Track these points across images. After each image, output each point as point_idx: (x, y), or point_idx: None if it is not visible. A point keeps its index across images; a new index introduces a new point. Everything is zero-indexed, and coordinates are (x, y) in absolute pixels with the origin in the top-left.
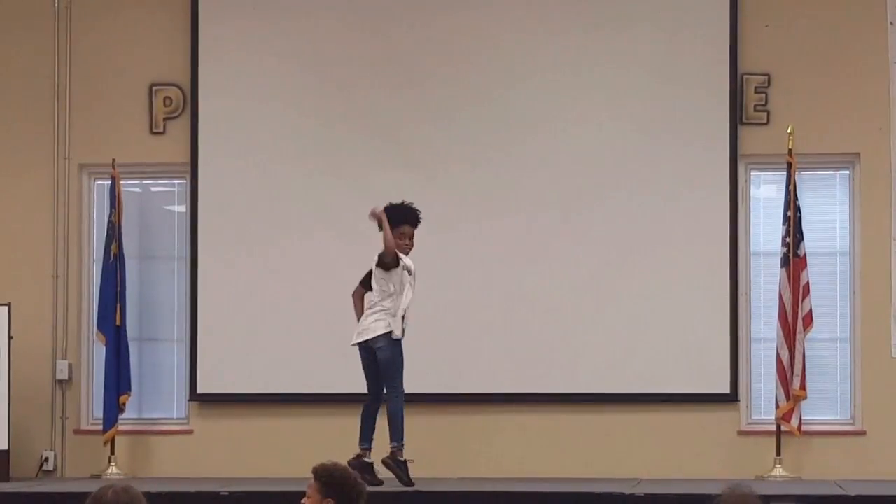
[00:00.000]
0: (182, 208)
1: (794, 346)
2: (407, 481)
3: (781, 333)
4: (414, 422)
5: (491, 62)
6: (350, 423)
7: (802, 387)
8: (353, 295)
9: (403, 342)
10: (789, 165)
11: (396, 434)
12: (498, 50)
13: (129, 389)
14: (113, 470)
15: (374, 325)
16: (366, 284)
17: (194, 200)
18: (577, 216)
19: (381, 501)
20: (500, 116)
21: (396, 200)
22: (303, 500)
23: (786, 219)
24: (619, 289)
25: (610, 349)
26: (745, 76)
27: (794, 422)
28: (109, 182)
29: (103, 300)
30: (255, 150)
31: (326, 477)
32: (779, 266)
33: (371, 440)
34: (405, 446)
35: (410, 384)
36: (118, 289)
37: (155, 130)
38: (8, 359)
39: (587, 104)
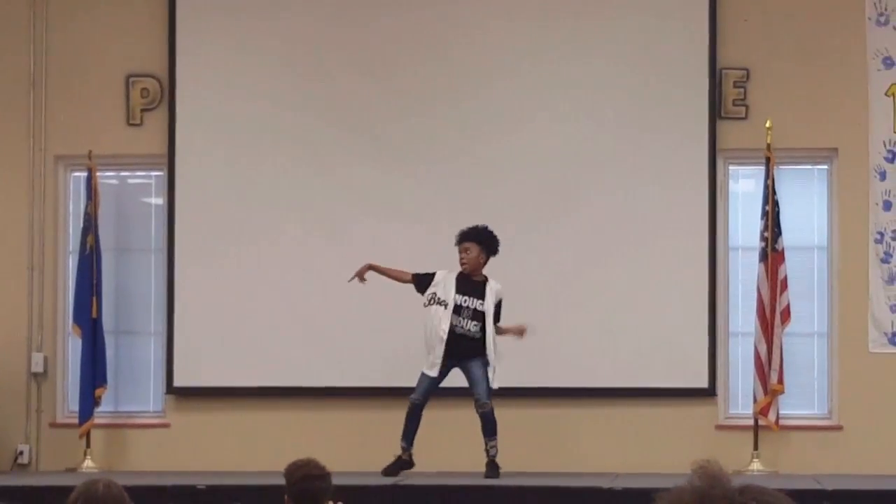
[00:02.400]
0: (159, 200)
1: (772, 340)
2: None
3: (759, 328)
4: (394, 418)
5: (469, 56)
6: (327, 416)
7: (780, 381)
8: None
9: (382, 335)
10: (768, 160)
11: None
12: (477, 44)
13: (105, 382)
14: (88, 463)
15: None
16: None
17: (171, 192)
18: (555, 210)
19: (366, 494)
20: (478, 110)
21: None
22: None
23: (764, 213)
24: (597, 283)
25: (588, 343)
26: (723, 71)
27: (772, 416)
28: (86, 174)
29: (79, 292)
30: (232, 142)
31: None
32: (757, 260)
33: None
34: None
35: (390, 380)
36: (94, 281)
37: (132, 122)
38: None
39: (566, 98)
